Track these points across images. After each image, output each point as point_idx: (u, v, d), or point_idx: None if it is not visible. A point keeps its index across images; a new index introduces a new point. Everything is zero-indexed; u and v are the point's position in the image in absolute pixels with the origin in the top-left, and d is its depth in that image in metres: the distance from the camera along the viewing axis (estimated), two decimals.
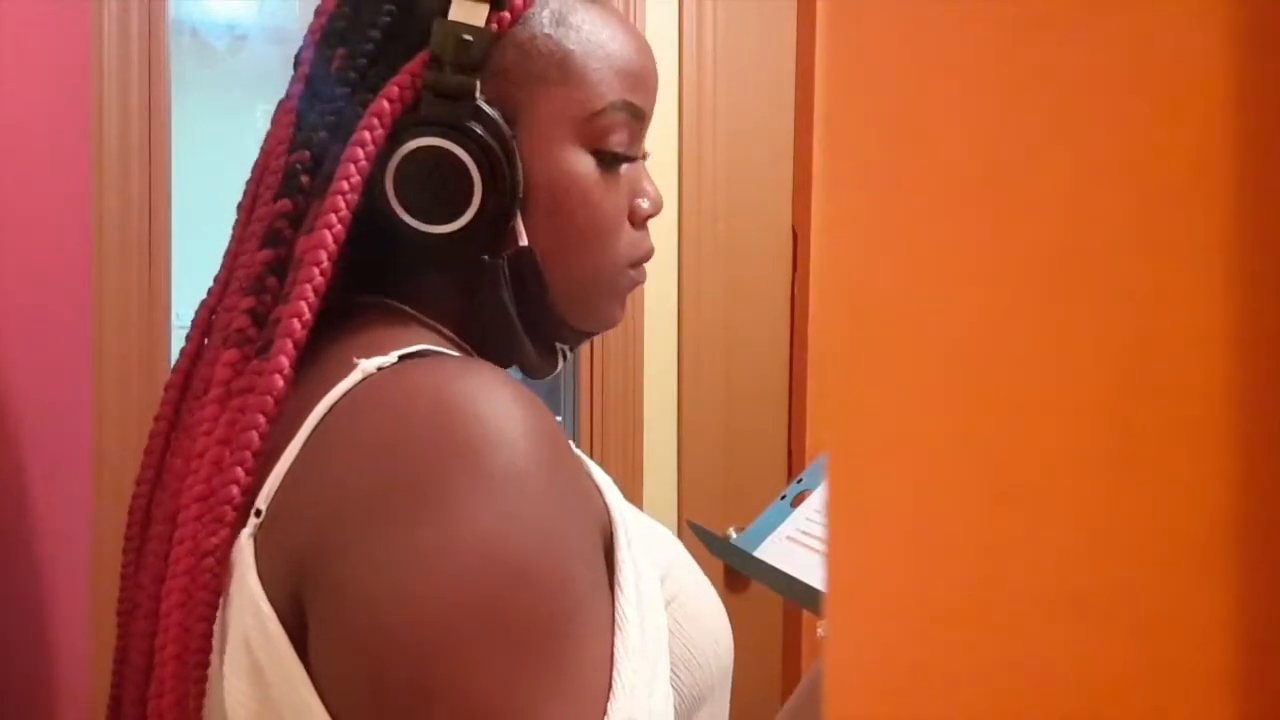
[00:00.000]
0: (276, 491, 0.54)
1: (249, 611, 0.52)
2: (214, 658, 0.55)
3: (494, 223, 0.60)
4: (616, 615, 0.52)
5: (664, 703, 0.54)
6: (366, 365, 0.54)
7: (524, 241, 0.61)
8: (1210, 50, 0.18)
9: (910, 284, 0.25)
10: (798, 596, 0.71)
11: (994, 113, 0.23)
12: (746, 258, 1.70)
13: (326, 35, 0.63)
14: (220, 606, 0.55)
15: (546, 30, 0.62)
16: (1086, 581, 0.21)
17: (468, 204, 0.59)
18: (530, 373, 0.68)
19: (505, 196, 0.60)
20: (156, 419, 0.64)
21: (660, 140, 1.66)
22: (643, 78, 0.65)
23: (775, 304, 1.72)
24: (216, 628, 0.54)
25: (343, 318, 0.61)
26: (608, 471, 0.65)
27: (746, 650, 1.55)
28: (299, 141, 0.61)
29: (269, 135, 0.64)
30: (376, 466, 0.51)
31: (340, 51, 0.61)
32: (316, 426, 0.54)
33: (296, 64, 0.65)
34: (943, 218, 0.24)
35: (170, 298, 1.39)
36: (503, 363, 0.66)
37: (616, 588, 0.53)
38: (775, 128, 1.71)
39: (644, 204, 0.67)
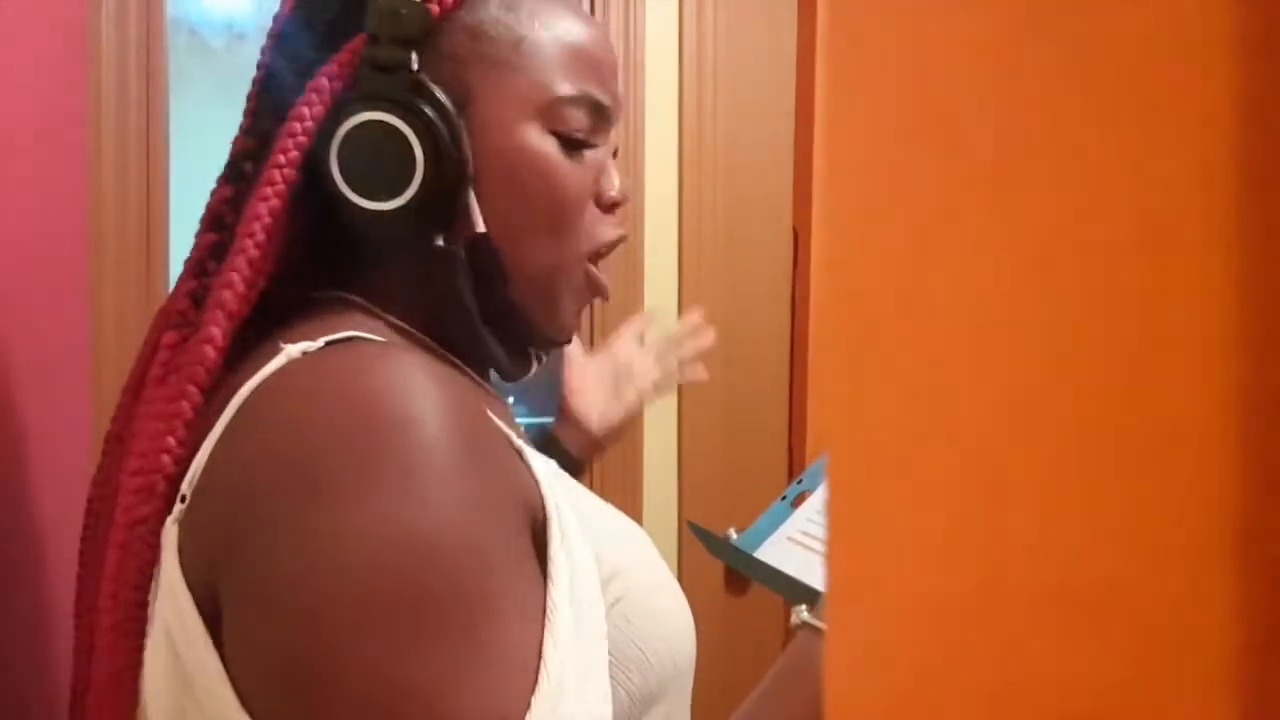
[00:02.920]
0: (199, 476, 0.54)
1: (169, 598, 0.52)
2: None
3: (442, 201, 0.60)
4: (546, 606, 0.51)
5: (600, 704, 0.53)
6: (291, 350, 0.54)
7: (480, 227, 0.61)
8: (1210, 50, 0.18)
9: (910, 284, 0.25)
10: (798, 597, 0.70)
11: (994, 112, 0.23)
12: (746, 258, 1.70)
13: (282, 35, 0.63)
14: (154, 587, 0.55)
15: (496, 14, 0.62)
16: (1087, 581, 0.21)
17: (410, 178, 0.58)
18: (502, 374, 0.68)
19: (451, 171, 0.59)
20: (112, 420, 0.64)
21: (660, 140, 1.66)
22: (604, 69, 0.65)
23: (775, 304, 1.72)
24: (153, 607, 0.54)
25: (295, 311, 0.60)
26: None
27: (746, 650, 1.55)
28: (248, 132, 0.62)
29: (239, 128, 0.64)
30: (282, 450, 0.51)
31: (291, 49, 0.62)
32: (238, 410, 0.54)
33: (261, 52, 0.65)
34: (943, 218, 0.24)
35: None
36: (475, 362, 0.66)
37: (548, 579, 0.52)
38: (775, 128, 1.71)
39: (612, 190, 0.66)
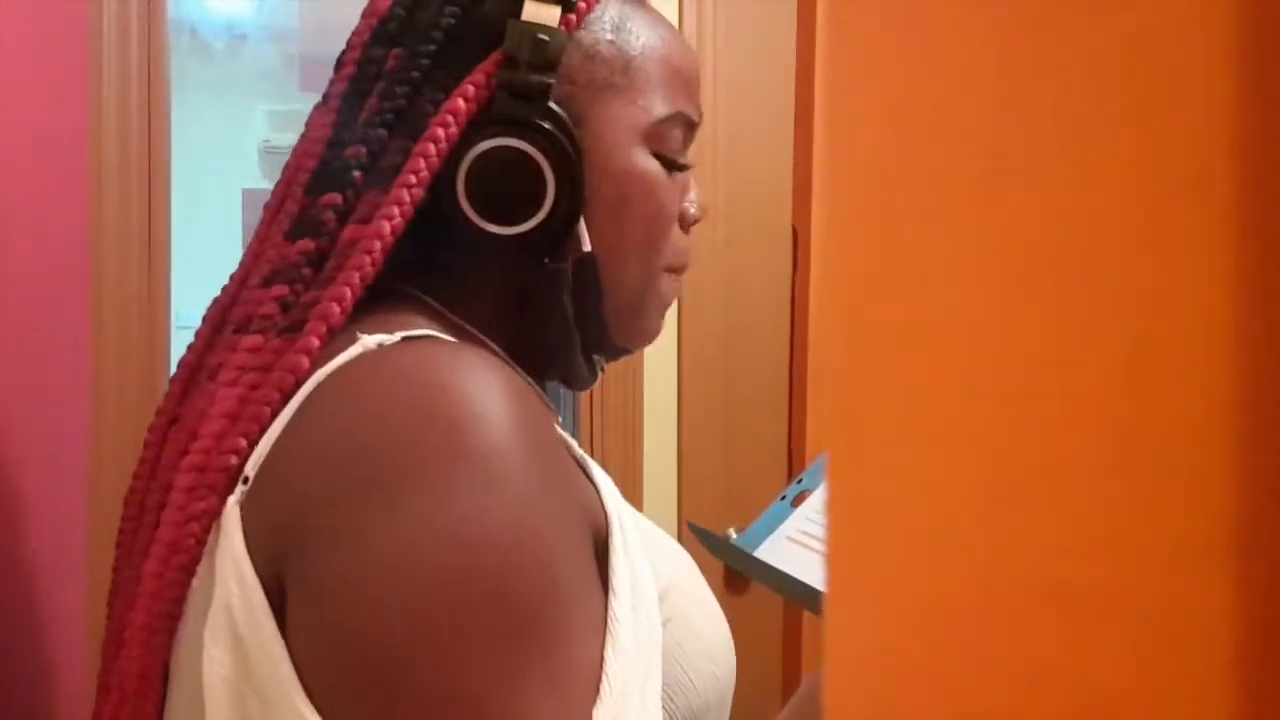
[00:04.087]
0: (265, 459, 0.53)
1: (233, 579, 0.51)
2: (190, 625, 0.54)
3: (562, 225, 0.60)
4: (608, 617, 0.51)
5: (656, 713, 0.53)
6: (368, 340, 0.54)
7: (587, 247, 0.61)
8: (1210, 50, 0.18)
9: (910, 284, 0.25)
10: (798, 597, 0.70)
11: (994, 112, 0.23)
12: (746, 258, 1.70)
13: (378, 36, 0.62)
14: (204, 574, 0.54)
15: (609, 36, 0.62)
16: (1087, 581, 0.21)
17: (540, 205, 0.59)
18: (572, 383, 0.68)
19: (575, 199, 0.60)
20: (158, 412, 0.63)
21: None
22: (695, 86, 0.66)
23: (775, 304, 1.72)
24: (199, 595, 0.54)
25: (368, 305, 0.59)
26: (608, 472, 0.64)
27: (746, 651, 1.55)
28: (353, 137, 0.60)
29: (303, 137, 0.63)
30: (359, 444, 0.50)
31: (396, 51, 0.61)
32: (309, 396, 0.53)
33: (339, 66, 0.64)
34: (943, 217, 0.24)
35: (170, 297, 1.39)
36: (544, 372, 0.66)
37: (610, 590, 0.52)
38: (775, 128, 1.71)
39: (693, 208, 0.67)
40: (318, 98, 0.65)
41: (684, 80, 0.65)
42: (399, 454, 0.49)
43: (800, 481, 0.77)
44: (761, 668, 1.70)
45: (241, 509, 0.53)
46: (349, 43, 0.64)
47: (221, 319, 0.62)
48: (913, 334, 0.25)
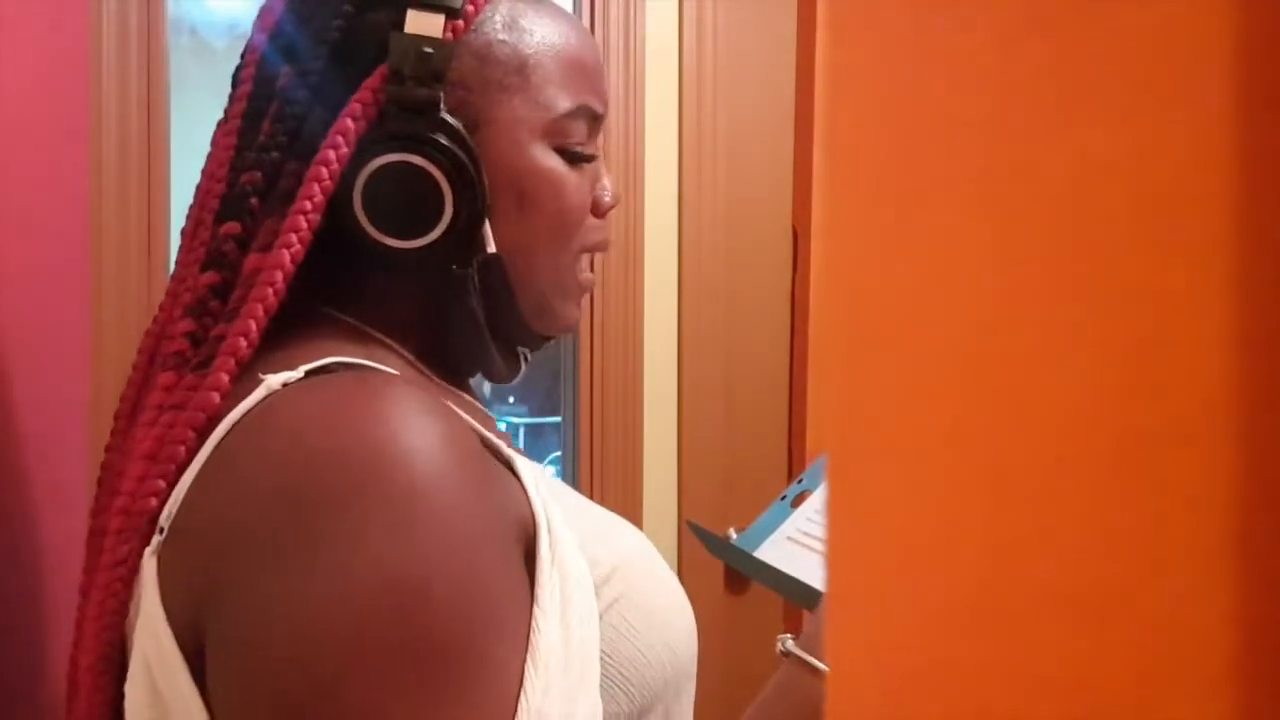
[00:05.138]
0: (178, 509, 0.53)
1: (149, 632, 0.51)
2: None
3: (464, 232, 0.60)
4: (530, 629, 0.51)
5: (593, 710, 0.53)
6: (271, 382, 0.53)
7: (491, 248, 0.61)
8: (1210, 50, 0.18)
9: (910, 284, 0.25)
10: (798, 597, 0.71)
11: (994, 112, 0.23)
12: (746, 258, 1.70)
13: (270, 53, 0.62)
14: (133, 618, 0.54)
15: (500, 36, 0.62)
16: (1087, 581, 0.21)
17: (439, 217, 0.59)
18: (494, 378, 0.68)
19: (475, 205, 0.60)
20: (107, 449, 0.64)
21: (660, 140, 1.66)
22: (596, 76, 0.66)
23: (775, 304, 1.72)
24: (133, 637, 0.54)
25: (279, 331, 0.59)
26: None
27: (746, 651, 1.55)
28: (248, 162, 0.60)
29: (209, 157, 0.63)
30: (265, 490, 0.50)
31: (286, 70, 0.60)
32: (218, 445, 0.53)
33: (237, 83, 0.64)
34: (943, 217, 0.24)
35: None
36: (467, 370, 0.67)
37: (534, 602, 0.52)
38: (775, 128, 1.71)
39: (606, 195, 0.68)
40: None
41: (583, 71, 0.65)
42: (304, 502, 0.49)
43: (800, 481, 0.77)
44: (762, 668, 1.70)
45: (158, 560, 0.53)
46: (244, 57, 0.64)
47: (154, 350, 0.62)
48: (913, 334, 0.25)
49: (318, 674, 0.47)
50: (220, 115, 0.66)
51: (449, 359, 0.65)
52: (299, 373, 0.54)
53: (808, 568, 0.69)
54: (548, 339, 0.69)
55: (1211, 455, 0.18)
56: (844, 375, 0.27)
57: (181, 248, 0.63)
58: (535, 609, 0.51)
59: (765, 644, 1.73)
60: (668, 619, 0.61)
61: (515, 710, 0.48)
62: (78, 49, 1.15)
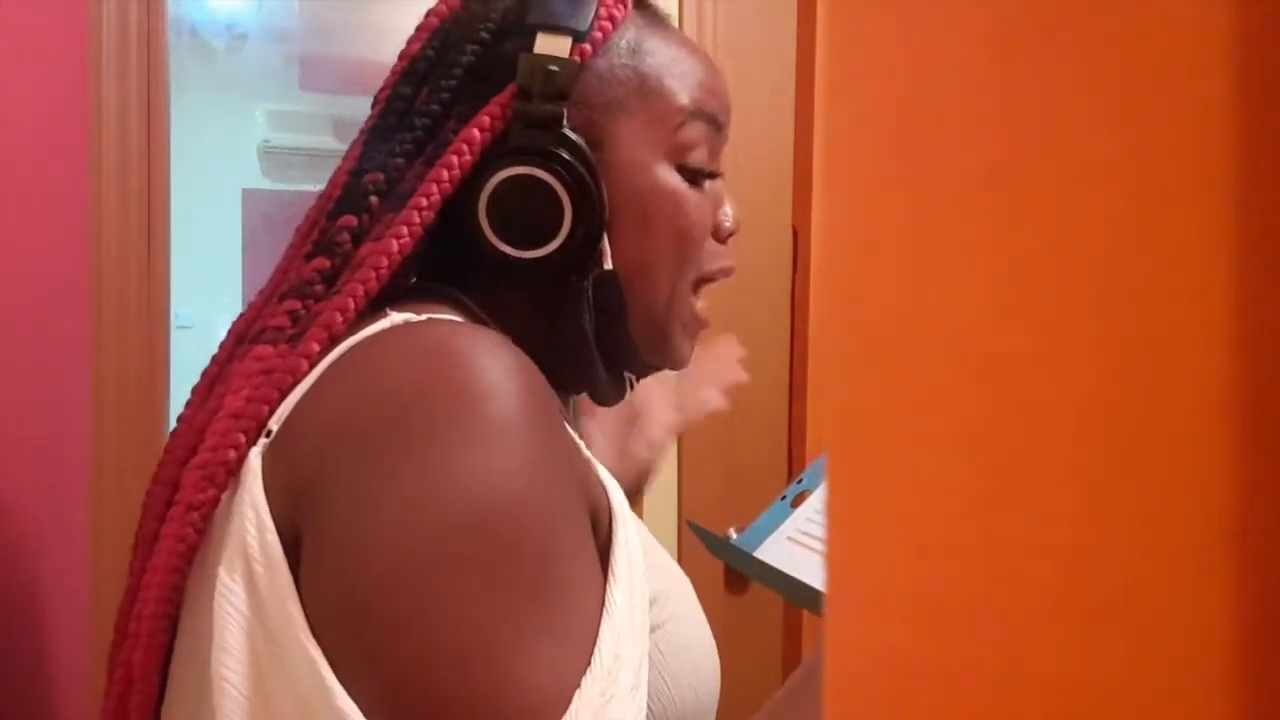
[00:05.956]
0: (289, 415, 0.55)
1: (251, 522, 0.53)
2: (205, 570, 0.56)
3: (582, 247, 0.62)
4: (606, 598, 0.52)
5: (641, 707, 0.53)
6: (395, 317, 0.56)
7: (609, 264, 0.63)
8: (1210, 50, 0.18)
9: (910, 284, 0.25)
10: (798, 597, 0.71)
11: (994, 112, 0.23)
12: (746, 258, 1.70)
13: (407, 75, 0.65)
14: (220, 522, 0.56)
15: (624, 60, 0.65)
16: (1086, 581, 0.21)
17: (558, 229, 0.62)
18: (598, 398, 0.70)
19: (594, 220, 0.62)
20: (180, 419, 0.65)
21: None
22: (716, 92, 0.69)
23: (775, 304, 1.72)
24: (214, 540, 0.56)
25: (402, 297, 0.62)
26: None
27: (746, 651, 1.55)
28: (373, 164, 0.63)
29: (336, 169, 0.66)
30: (375, 405, 0.52)
31: (424, 89, 0.64)
32: (335, 361, 0.56)
33: (373, 104, 0.67)
34: (943, 217, 0.24)
35: (169, 297, 1.39)
36: (573, 387, 0.69)
37: (610, 575, 0.53)
38: (775, 128, 1.71)
39: (727, 221, 0.70)
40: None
41: (704, 88, 0.67)
42: (412, 415, 0.51)
43: (800, 481, 0.77)
44: (761, 668, 1.70)
45: (264, 459, 0.55)
46: (385, 82, 0.67)
47: (244, 333, 0.64)
48: (913, 334, 0.25)
49: (405, 570, 0.49)
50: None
51: (557, 372, 0.66)
52: (422, 317, 0.57)
53: (808, 568, 0.69)
54: (655, 368, 0.71)
55: (1210, 455, 0.18)
56: (844, 375, 0.27)
57: (291, 245, 0.66)
58: (611, 582, 0.53)
59: (765, 644, 1.73)
60: (697, 658, 0.62)
61: (592, 648, 0.50)
62: (78, 49, 1.15)
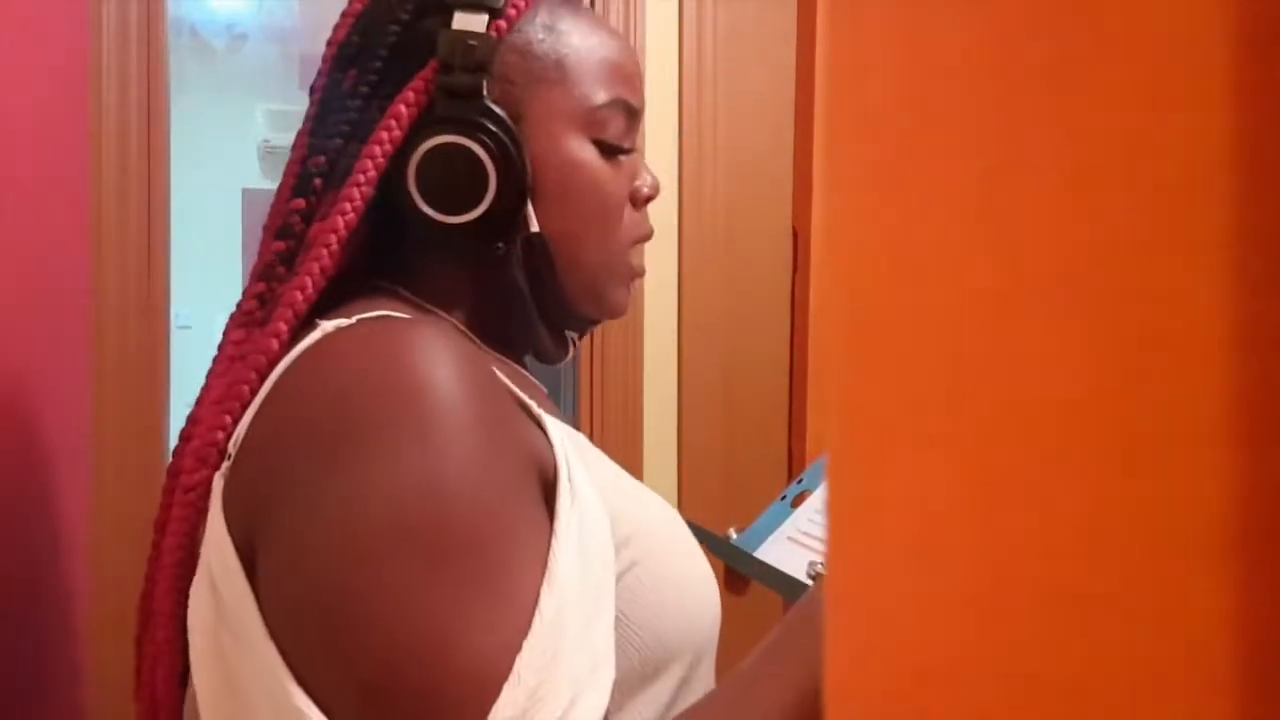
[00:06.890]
0: (242, 437, 0.59)
1: (214, 543, 0.58)
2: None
3: (507, 211, 0.66)
4: (548, 555, 0.55)
5: (605, 654, 0.56)
6: (326, 326, 0.60)
7: (535, 228, 0.67)
8: (1210, 50, 0.18)
9: (910, 284, 0.25)
10: (798, 596, 0.71)
11: (994, 112, 0.23)
12: (746, 258, 1.70)
13: (338, 60, 0.69)
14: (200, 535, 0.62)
15: (540, 36, 0.68)
16: (1087, 581, 0.21)
17: (483, 194, 0.65)
18: (543, 358, 0.74)
19: (516, 186, 0.65)
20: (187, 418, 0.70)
21: (660, 139, 1.66)
22: (631, 76, 0.72)
23: (775, 304, 1.72)
24: (202, 552, 0.61)
25: (340, 300, 0.65)
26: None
27: (746, 650, 1.55)
28: (314, 149, 0.67)
29: (290, 158, 0.70)
30: (311, 409, 0.56)
31: (351, 72, 0.68)
32: (277, 381, 0.59)
33: (311, 91, 0.71)
34: (943, 217, 0.24)
35: (169, 296, 1.39)
36: (517, 349, 0.73)
37: (553, 532, 0.56)
38: (775, 128, 1.71)
39: (644, 187, 0.73)
40: None
41: (619, 71, 0.70)
42: (344, 417, 0.55)
43: (800, 481, 0.77)
44: None
45: (224, 480, 0.59)
46: (319, 70, 0.72)
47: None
48: (913, 334, 0.25)
49: (348, 565, 0.52)
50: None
51: (497, 334, 0.71)
52: (352, 320, 0.60)
53: (808, 568, 0.69)
54: (594, 322, 0.75)
55: (1211, 455, 0.18)
56: (844, 375, 0.27)
57: (265, 227, 0.70)
58: (554, 538, 0.56)
59: None
60: (685, 588, 0.64)
61: (532, 613, 0.53)
62: (78, 48, 1.15)
